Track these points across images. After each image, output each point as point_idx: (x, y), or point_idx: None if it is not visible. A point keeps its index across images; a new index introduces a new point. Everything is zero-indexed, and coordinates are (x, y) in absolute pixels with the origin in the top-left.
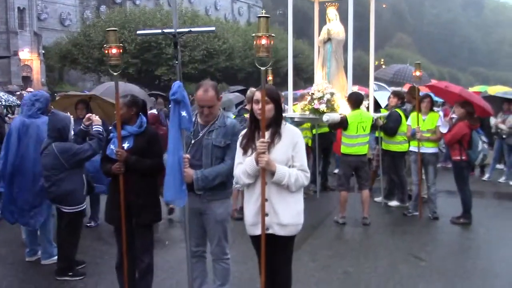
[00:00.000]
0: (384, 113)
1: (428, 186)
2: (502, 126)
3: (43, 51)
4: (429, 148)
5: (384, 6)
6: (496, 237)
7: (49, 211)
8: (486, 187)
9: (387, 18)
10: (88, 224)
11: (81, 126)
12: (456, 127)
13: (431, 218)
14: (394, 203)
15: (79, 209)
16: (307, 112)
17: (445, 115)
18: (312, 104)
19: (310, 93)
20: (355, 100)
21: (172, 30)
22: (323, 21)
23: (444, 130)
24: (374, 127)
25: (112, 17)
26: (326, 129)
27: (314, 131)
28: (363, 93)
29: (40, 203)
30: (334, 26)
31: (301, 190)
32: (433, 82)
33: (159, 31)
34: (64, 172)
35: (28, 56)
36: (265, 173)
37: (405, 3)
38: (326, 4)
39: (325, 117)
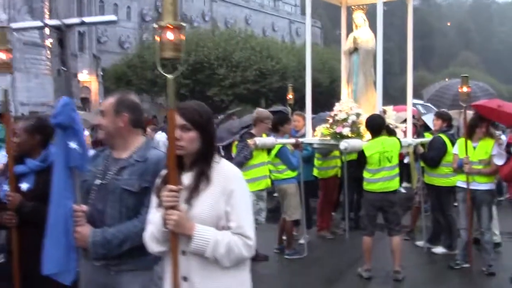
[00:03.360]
0: (427, 138)
1: (481, 232)
2: None
3: (102, 73)
4: (481, 184)
5: (448, 24)
6: None
7: None
8: None
9: (452, 37)
10: None
11: None
12: None
13: (485, 273)
14: (439, 249)
15: None
16: (329, 138)
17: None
18: (334, 127)
19: (332, 114)
20: (374, 126)
21: (58, 22)
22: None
23: (500, 162)
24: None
25: None
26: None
27: (343, 159)
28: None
29: None
30: (361, 33)
31: (245, 264)
32: (482, 101)
33: (41, 24)
34: None
35: (87, 78)
36: (177, 238)
37: (471, 21)
38: (353, 7)
39: (343, 144)
